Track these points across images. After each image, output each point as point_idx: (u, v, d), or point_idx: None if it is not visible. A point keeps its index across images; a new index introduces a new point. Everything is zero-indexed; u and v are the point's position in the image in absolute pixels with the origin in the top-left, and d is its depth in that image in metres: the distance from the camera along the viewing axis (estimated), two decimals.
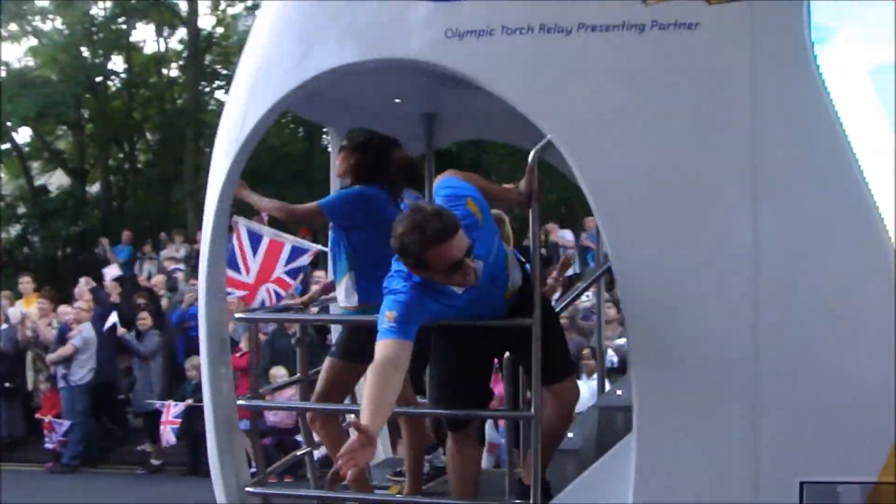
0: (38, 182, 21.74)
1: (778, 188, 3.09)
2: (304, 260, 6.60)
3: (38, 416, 10.62)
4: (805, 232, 3.08)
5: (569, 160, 3.22)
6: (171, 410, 9.30)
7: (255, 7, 17.71)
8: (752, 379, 3.07)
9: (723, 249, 3.13)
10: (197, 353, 4.15)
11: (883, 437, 3.01)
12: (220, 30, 21.99)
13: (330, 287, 5.33)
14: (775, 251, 3.08)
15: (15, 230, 20.88)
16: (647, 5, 3.14)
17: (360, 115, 4.59)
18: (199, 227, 4.31)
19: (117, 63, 21.69)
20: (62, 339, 10.41)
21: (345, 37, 3.41)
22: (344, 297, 4.00)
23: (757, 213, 3.08)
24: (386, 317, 2.97)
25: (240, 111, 3.61)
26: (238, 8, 21.65)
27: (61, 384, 10.27)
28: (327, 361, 4.00)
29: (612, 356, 7.78)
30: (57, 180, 21.89)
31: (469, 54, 3.23)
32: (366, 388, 2.83)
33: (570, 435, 4.89)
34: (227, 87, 16.18)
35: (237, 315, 4.50)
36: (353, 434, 2.55)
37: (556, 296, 5.73)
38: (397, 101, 4.54)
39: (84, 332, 10.24)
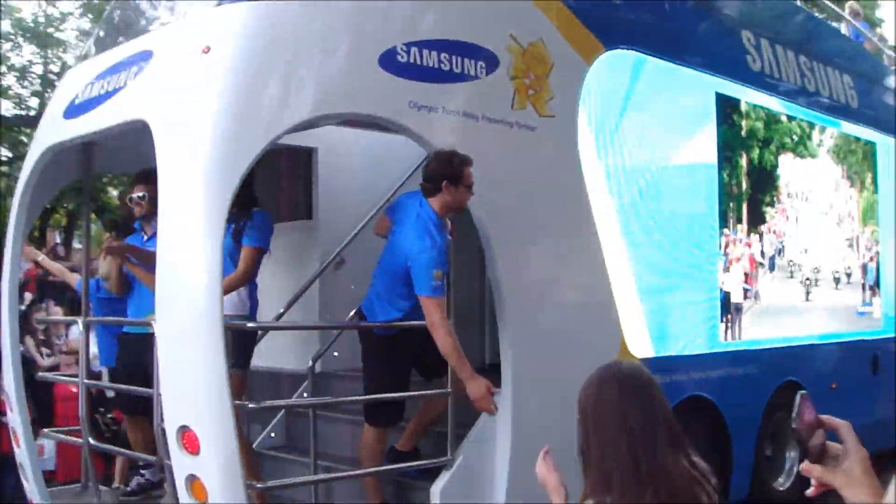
0: None
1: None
2: None
3: None
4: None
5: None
6: None
7: None
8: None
9: (569, 267, 4.93)
10: None
11: None
12: None
13: None
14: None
15: None
16: (513, 110, 4.80)
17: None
18: None
19: None
20: None
21: (320, 91, 4.18)
22: (238, 304, 4.44)
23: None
24: (435, 275, 4.12)
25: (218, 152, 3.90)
26: None
27: None
28: None
29: None
30: None
31: (424, 124, 4.41)
32: (451, 344, 4.10)
33: (273, 435, 5.85)
34: None
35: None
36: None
37: None
38: None
39: None
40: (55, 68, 22.49)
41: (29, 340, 8.51)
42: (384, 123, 4.41)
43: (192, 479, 3.84)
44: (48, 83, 22.24)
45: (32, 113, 21.93)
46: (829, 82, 7.53)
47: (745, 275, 6.59)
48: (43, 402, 7.98)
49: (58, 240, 22.87)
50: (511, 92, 4.79)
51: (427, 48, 4.42)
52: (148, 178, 4.92)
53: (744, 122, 6.58)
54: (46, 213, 22.99)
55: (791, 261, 7.08)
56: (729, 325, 6.35)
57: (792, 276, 7.10)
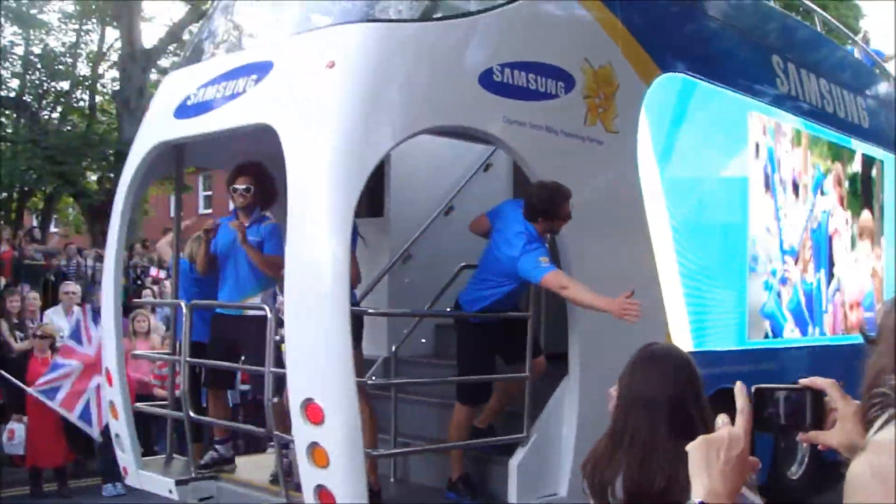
0: None
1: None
2: None
3: None
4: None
5: None
6: None
7: None
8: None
9: (627, 267, 5.47)
10: None
11: None
12: None
13: None
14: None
15: None
16: (585, 126, 5.34)
17: None
18: None
19: None
20: None
21: (430, 105, 4.70)
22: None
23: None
24: (542, 260, 4.68)
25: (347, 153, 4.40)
26: None
27: None
28: None
29: None
30: None
31: (514, 136, 4.94)
32: (579, 291, 4.64)
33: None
34: None
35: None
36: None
37: None
38: None
39: None
40: (37, 50, 22.69)
41: (3, 324, 8.88)
42: (481, 136, 4.94)
43: (313, 447, 4.34)
44: (29, 65, 22.41)
45: (13, 94, 22.18)
46: (845, 103, 8.15)
47: (768, 281, 7.18)
48: (13, 388, 8.42)
49: (34, 223, 23.05)
50: (584, 109, 5.34)
51: (518, 69, 4.95)
52: (250, 170, 5.40)
53: (771, 140, 7.17)
54: (24, 195, 23.18)
55: (807, 269, 7.69)
56: (753, 325, 6.95)
57: (807, 283, 7.71)
